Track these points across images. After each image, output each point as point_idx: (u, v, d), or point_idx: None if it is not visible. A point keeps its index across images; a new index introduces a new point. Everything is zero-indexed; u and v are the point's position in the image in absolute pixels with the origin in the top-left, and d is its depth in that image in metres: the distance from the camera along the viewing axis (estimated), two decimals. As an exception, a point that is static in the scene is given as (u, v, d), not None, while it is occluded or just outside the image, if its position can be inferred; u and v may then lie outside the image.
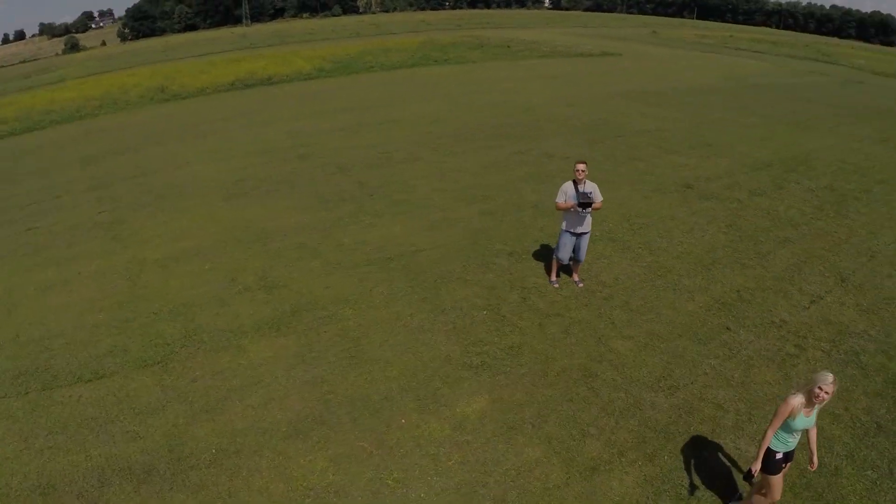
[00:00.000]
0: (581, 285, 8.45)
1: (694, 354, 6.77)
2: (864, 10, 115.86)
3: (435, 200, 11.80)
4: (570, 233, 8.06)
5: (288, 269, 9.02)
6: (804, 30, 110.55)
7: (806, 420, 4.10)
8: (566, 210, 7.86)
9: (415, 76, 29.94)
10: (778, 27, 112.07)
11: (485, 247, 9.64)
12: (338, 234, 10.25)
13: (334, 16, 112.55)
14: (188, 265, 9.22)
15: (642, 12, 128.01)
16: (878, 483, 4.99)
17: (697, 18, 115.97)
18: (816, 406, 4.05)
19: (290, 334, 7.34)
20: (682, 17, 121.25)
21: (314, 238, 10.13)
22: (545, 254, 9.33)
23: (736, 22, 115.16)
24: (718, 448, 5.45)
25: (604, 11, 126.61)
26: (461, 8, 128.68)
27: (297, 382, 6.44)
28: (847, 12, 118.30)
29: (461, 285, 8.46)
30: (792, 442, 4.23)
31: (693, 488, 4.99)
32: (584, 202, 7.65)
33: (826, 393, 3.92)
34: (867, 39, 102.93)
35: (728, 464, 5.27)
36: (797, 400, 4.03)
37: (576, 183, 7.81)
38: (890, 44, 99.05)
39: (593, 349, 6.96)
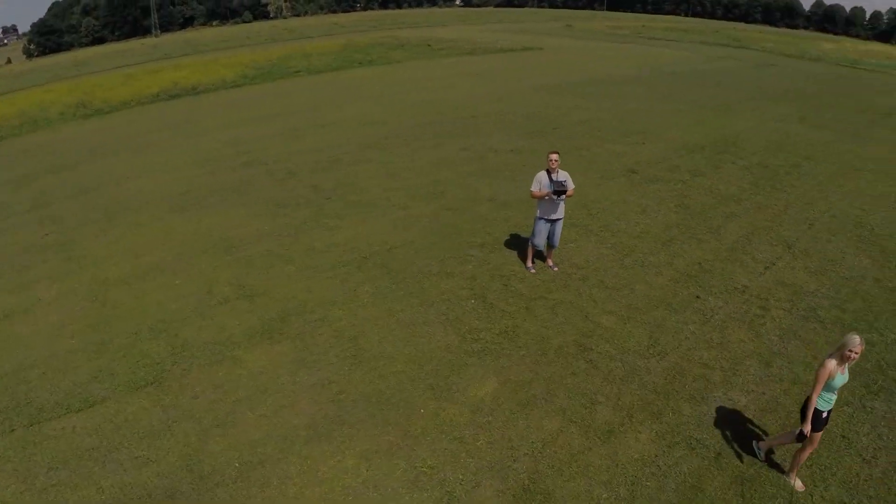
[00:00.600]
0: (556, 269, 8.89)
1: (673, 322, 7.38)
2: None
3: (392, 199, 11.88)
4: (546, 220, 8.46)
5: (263, 277, 8.82)
6: (712, 16, 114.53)
7: (842, 378, 4.58)
8: (541, 198, 8.28)
9: (342, 79, 29.64)
10: (687, 15, 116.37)
11: (455, 240, 9.88)
12: (305, 238, 10.12)
13: (245, 22, 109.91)
14: (156, 281, 8.79)
15: (553, 6, 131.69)
16: (854, 416, 5.73)
17: (608, 10, 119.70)
18: (847, 364, 4.57)
19: (283, 340, 7.23)
20: (593, 8, 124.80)
21: (282, 244, 9.95)
22: (515, 243, 9.72)
23: (646, 12, 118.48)
24: (713, 401, 6.02)
25: (515, 6, 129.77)
26: (372, 9, 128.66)
27: (304, 386, 6.39)
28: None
29: (443, 278, 8.66)
30: (833, 399, 4.71)
31: (699, 438, 5.51)
32: (559, 190, 8.08)
33: (855, 353, 4.42)
34: (773, 23, 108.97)
35: (724, 413, 5.85)
36: (833, 363, 4.50)
37: (549, 172, 8.24)
38: (795, 27, 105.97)
39: (582, 325, 7.39)
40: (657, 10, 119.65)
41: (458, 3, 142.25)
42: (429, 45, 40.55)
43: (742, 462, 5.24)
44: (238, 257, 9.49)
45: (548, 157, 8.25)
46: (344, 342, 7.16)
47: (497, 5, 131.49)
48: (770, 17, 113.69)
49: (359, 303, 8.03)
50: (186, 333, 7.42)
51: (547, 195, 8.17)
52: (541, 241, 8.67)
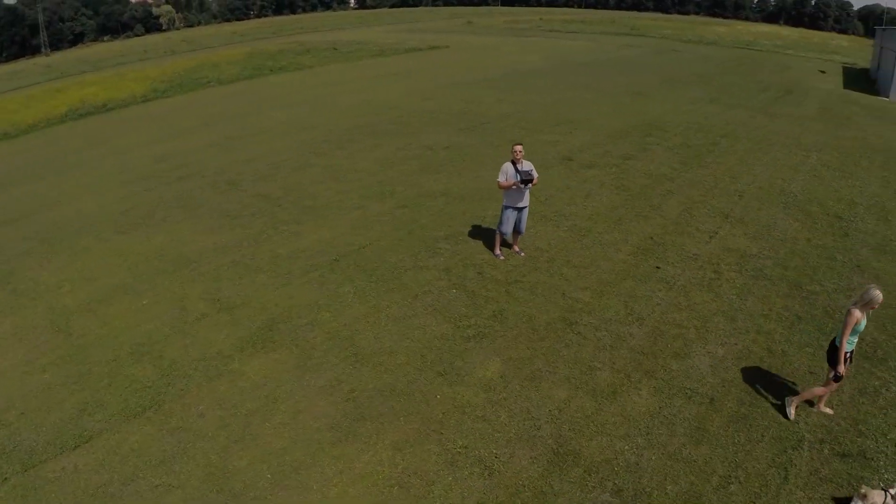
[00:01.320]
0: (523, 254, 9.35)
1: (642, 292, 8.06)
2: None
3: (345, 201, 11.85)
4: (513, 208, 8.88)
5: (236, 288, 8.54)
6: (605, 7, 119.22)
7: (863, 323, 5.29)
8: (508, 188, 8.69)
9: (258, 86, 28.67)
10: (580, 6, 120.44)
11: (420, 235, 10.07)
12: (268, 246, 9.87)
13: (137, 35, 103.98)
14: (121, 304, 8.23)
15: (449, 3, 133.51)
16: (815, 355, 6.62)
17: (503, 5, 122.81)
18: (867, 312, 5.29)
19: (278, 348, 7.10)
20: (488, 4, 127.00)
21: (245, 254, 9.64)
22: (477, 233, 10.07)
23: (540, 5, 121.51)
24: (695, 355, 6.70)
25: (410, 6, 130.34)
26: (266, 16, 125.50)
27: (314, 390, 6.35)
28: None
29: (419, 271, 8.84)
30: (855, 341, 5.41)
31: (692, 388, 6.15)
32: (526, 179, 8.53)
33: (877, 303, 5.16)
34: (665, 11, 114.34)
35: (707, 364, 6.54)
36: (857, 312, 5.17)
37: (514, 163, 8.66)
38: (686, 13, 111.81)
39: (562, 303, 7.89)
40: (552, 3, 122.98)
41: (352, 5, 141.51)
42: (335, 49, 40.14)
43: (733, 404, 5.93)
44: (202, 272, 9.10)
45: (512, 148, 8.66)
46: (340, 342, 7.17)
47: (392, 6, 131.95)
48: (662, 5, 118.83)
49: (343, 303, 8.03)
50: (172, 353, 7.07)
51: (514, 185, 8.59)
52: (508, 229, 9.08)
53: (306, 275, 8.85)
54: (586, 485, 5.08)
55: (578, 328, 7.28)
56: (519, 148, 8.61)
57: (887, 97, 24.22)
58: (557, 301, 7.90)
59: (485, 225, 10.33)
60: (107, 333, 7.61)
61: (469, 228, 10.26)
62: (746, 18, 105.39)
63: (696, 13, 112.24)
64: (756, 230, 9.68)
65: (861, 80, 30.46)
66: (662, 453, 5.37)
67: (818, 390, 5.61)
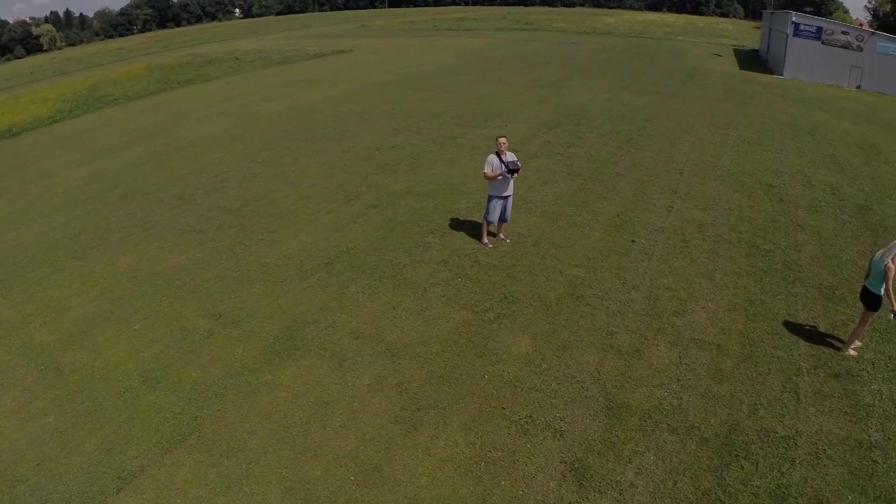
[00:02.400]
0: (508, 241, 9.84)
1: (628, 263, 8.86)
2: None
3: (311, 206, 11.68)
4: (499, 197, 9.34)
5: (235, 301, 8.23)
6: (491, 3, 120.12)
7: (878, 264, 6.21)
8: (494, 178, 9.13)
9: (169, 100, 26.74)
10: (468, 4, 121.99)
11: (403, 232, 10.24)
12: (250, 257, 9.55)
13: (18, 57, 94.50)
14: (108, 332, 7.62)
15: (335, 8, 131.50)
16: (787, 300, 7.74)
17: (389, 6, 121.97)
18: None
19: (306, 354, 7.00)
20: (375, 7, 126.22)
21: (228, 266, 9.26)
22: (459, 225, 10.41)
23: (427, 5, 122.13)
24: (692, 311, 7.54)
25: (296, 13, 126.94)
26: (150, 30, 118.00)
27: (362, 389, 6.37)
28: None
29: (418, 266, 9.03)
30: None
31: (700, 338, 6.97)
32: (513, 169, 9.02)
33: (890, 258, 6.06)
34: (552, 4, 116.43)
35: (705, 317, 7.38)
36: (891, 263, 6.03)
37: (498, 154, 9.12)
38: (572, 5, 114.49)
39: (562, 279, 8.48)
40: (438, 3, 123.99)
41: (237, 15, 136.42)
42: (237, 59, 38.46)
43: (737, 347, 6.82)
44: (189, 289, 8.63)
45: (497, 140, 9.09)
46: (368, 340, 7.21)
47: (278, 13, 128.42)
48: None
49: (356, 303, 8.05)
50: (191, 375, 6.72)
51: (500, 175, 9.05)
52: (495, 218, 9.52)
53: (304, 280, 8.71)
54: (645, 429, 5.67)
55: (586, 300, 7.90)
56: (503, 140, 9.07)
57: (781, 75, 27.85)
58: (558, 279, 8.49)
59: (461, 217, 10.70)
60: (105, 364, 7.05)
61: (448, 222, 10.57)
62: (630, 7, 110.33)
63: (582, 5, 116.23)
64: (704, 202, 10.92)
65: (753, 60, 34.34)
66: (696, 394, 6.11)
67: (859, 330, 6.56)
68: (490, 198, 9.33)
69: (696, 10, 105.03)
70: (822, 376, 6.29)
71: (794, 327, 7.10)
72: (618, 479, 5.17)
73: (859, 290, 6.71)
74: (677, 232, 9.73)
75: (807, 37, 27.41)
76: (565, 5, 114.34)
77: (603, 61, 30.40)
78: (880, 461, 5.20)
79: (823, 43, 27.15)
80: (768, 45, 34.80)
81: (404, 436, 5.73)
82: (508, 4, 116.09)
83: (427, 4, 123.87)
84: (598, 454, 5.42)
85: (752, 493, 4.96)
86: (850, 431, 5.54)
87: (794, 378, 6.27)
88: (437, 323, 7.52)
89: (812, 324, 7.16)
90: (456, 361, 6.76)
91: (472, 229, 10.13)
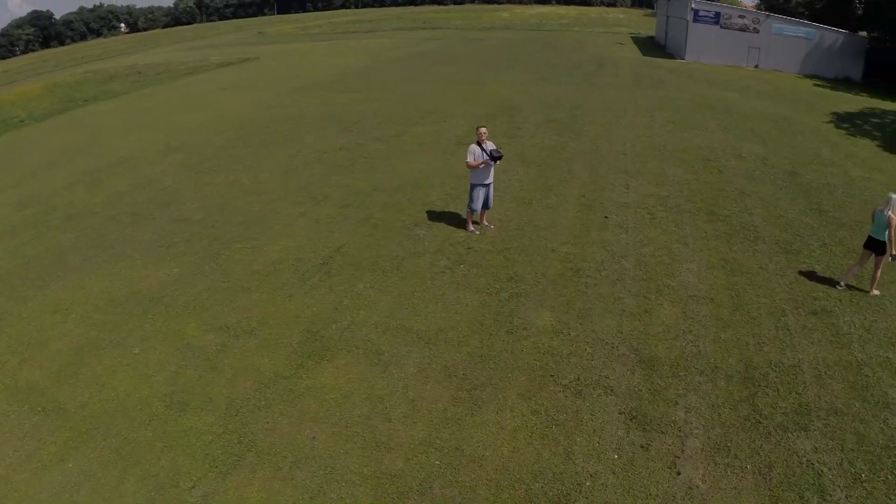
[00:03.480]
0: (492, 227, 10.21)
1: (609, 237, 9.54)
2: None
3: (281, 211, 11.26)
4: (481, 185, 9.67)
5: (238, 311, 7.86)
6: (382, 4, 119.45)
7: (881, 217, 7.29)
8: (476, 167, 9.45)
9: (80, 118, 24.21)
10: (357, 7, 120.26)
11: (387, 228, 10.22)
12: (235, 266, 9.10)
13: None
14: (106, 360, 6.98)
15: (223, 17, 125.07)
16: (755, 256, 8.80)
17: (278, 13, 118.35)
18: None
19: (338, 354, 6.88)
20: (264, 14, 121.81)
21: (215, 278, 8.78)
22: (439, 216, 10.56)
23: (316, 9, 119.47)
24: (680, 273, 8.35)
25: (183, 24, 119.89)
26: (34, 50, 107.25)
27: (411, 378, 6.40)
28: None
29: (416, 258, 9.11)
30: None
31: (695, 294, 7.78)
32: (496, 156, 9.39)
33: (892, 209, 7.15)
34: (442, 3, 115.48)
35: (693, 276, 8.21)
36: (893, 214, 7.07)
37: (479, 143, 9.46)
38: (462, 2, 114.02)
39: (556, 256, 8.97)
40: (327, 7, 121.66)
41: (123, 30, 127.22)
42: (140, 73, 35.89)
43: (727, 298, 7.69)
44: (180, 305, 8.11)
45: (477, 130, 9.41)
46: (397, 332, 7.23)
47: (165, 26, 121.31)
48: None
49: (369, 299, 8.02)
50: (221, 392, 6.38)
51: (483, 163, 9.40)
52: (478, 206, 9.83)
53: (305, 283, 8.52)
54: (678, 375, 6.30)
55: (585, 273, 8.48)
56: (484, 129, 9.41)
57: (683, 59, 30.44)
58: (552, 256, 9.00)
59: (438, 209, 10.91)
60: (114, 395, 6.48)
61: (427, 214, 10.71)
62: (521, 2, 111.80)
63: (472, 2, 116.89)
64: (655, 178, 11.97)
65: (652, 47, 36.96)
66: (708, 341, 6.85)
67: (877, 273, 7.65)
68: (473, 186, 9.64)
69: (584, 1, 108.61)
70: (803, 314, 7.31)
71: (767, 277, 8.14)
72: (672, 419, 5.74)
73: (812, 245, 7.87)
74: (641, 206, 10.65)
75: (706, 22, 30.29)
76: (455, 3, 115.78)
77: (513, 55, 31.69)
78: (870, 375, 6.21)
79: (722, 27, 30.15)
80: (666, 32, 37.86)
81: (470, 415, 5.92)
82: (399, 5, 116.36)
83: (316, 9, 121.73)
84: (648, 402, 5.97)
85: (782, 413, 5.74)
86: (839, 355, 6.54)
87: (783, 318, 7.23)
88: (457, 308, 7.74)
89: (781, 273, 8.26)
90: (490, 340, 7.03)
91: (454, 219, 10.40)
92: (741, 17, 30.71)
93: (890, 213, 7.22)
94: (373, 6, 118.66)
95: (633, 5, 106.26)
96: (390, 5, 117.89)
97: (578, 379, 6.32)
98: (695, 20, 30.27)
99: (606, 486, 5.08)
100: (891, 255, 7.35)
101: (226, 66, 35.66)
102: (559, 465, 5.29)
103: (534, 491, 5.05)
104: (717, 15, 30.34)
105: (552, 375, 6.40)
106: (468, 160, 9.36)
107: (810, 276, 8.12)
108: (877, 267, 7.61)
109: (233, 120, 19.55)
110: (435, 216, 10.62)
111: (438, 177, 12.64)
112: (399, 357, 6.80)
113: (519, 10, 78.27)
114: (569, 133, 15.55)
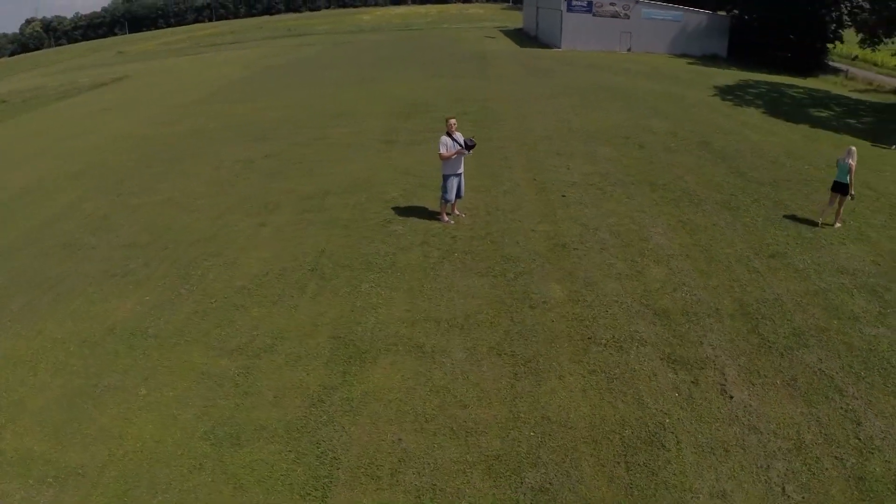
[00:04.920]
0: (464, 215, 10.38)
1: (576, 213, 10.14)
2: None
3: (238, 224, 10.32)
4: (454, 175, 9.78)
5: (244, 331, 7.15)
6: (237, 16, 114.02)
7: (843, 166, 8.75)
8: (449, 158, 9.58)
9: None
10: (211, 20, 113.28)
11: (360, 228, 9.83)
12: (217, 284, 8.23)
13: None
14: (109, 410, 5.99)
15: (72, 40, 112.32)
16: (706, 214, 9.99)
17: (130, 32, 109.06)
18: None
19: (381, 354, 6.56)
20: (115, 34, 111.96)
21: (198, 300, 7.88)
22: (408, 211, 10.44)
23: (170, 26, 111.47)
24: (651, 237, 9.23)
25: (30, 50, 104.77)
26: None
27: (465, 364, 6.37)
28: None
29: (405, 253, 8.92)
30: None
31: (671, 254, 8.67)
32: (471, 145, 9.59)
33: (852, 158, 8.58)
34: (297, 10, 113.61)
35: (662, 240, 9.12)
36: (853, 161, 8.50)
37: (449, 134, 9.59)
38: (317, 9, 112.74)
39: (537, 236, 9.35)
40: (181, 22, 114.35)
41: None
42: (4, 101, 31.08)
43: (700, 253, 8.69)
44: (170, 334, 7.18)
45: (447, 122, 9.49)
46: (430, 325, 7.09)
47: (11, 54, 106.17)
48: (293, 5, 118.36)
49: (380, 296, 7.75)
50: (270, 416, 5.80)
51: (457, 153, 9.56)
52: (452, 196, 9.91)
53: (303, 292, 8.02)
54: (691, 321, 7.00)
55: (571, 246, 9.01)
56: (453, 121, 9.53)
57: (559, 48, 32.40)
58: (534, 236, 9.42)
59: (402, 205, 10.78)
60: (143, 445, 5.55)
61: (394, 210, 10.51)
62: (377, 4, 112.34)
63: (328, 7, 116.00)
64: (588, 158, 12.94)
65: (524, 38, 38.70)
66: (702, 289, 7.71)
67: (840, 210, 9.24)
68: (446, 177, 9.71)
69: (439, 0, 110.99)
70: (764, 258, 8.51)
71: (722, 232, 9.32)
72: (704, 356, 6.44)
73: (746, 202, 9.19)
74: (588, 183, 11.53)
75: (579, 11, 32.69)
76: (311, 10, 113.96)
77: (394, 54, 31.92)
78: (835, 298, 7.43)
79: (595, 15, 32.73)
80: (537, 23, 40.19)
81: (537, 386, 6.09)
82: (253, 16, 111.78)
83: (169, 25, 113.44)
84: (678, 346, 6.62)
85: (784, 337, 6.68)
86: (806, 286, 7.72)
87: (750, 263, 8.35)
88: (472, 292, 7.83)
89: (731, 227, 9.50)
90: (519, 317, 7.24)
91: (423, 212, 10.41)
92: (612, 4, 33.50)
93: (850, 160, 8.77)
94: (227, 18, 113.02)
95: (487, 0, 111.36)
96: (245, 16, 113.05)
97: (614, 337, 6.82)
98: (569, 10, 32.70)
99: (682, 419, 5.62)
100: (851, 194, 8.97)
101: (99, 88, 31.87)
102: (636, 411, 5.72)
103: (627, 437, 5.42)
104: (590, 4, 33.00)
105: (590, 338, 6.83)
106: (441, 152, 9.43)
107: (756, 226, 9.46)
108: (840, 205, 9.23)
109: (131, 139, 17.52)
110: (403, 212, 10.56)
111: (386, 175, 12.54)
112: (441, 347, 6.78)
113: (379, 11, 78.76)
114: (488, 123, 16.20)
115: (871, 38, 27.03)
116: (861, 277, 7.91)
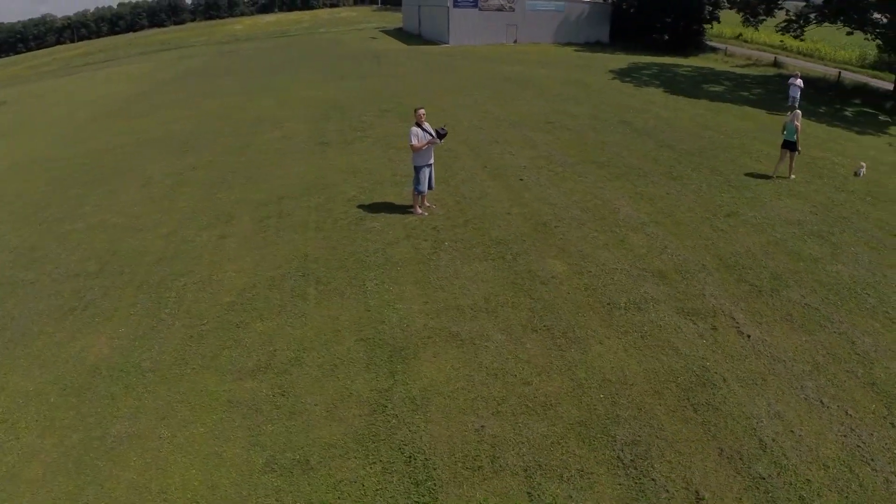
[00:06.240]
0: (435, 206, 10.23)
1: (541, 195, 10.41)
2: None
3: (196, 239, 9.17)
4: (426, 166, 9.56)
5: (258, 350, 6.36)
6: (99, 35, 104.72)
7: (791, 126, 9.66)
8: (421, 149, 9.42)
9: None
10: (73, 41, 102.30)
11: (337, 229, 9.26)
12: (201, 304, 7.23)
13: None
14: (133, 460, 5.02)
15: None
16: (657, 186, 10.84)
17: None
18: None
19: (419, 350, 6.22)
20: None
21: (185, 323, 6.91)
22: (376, 208, 10.10)
23: (29, 49, 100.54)
24: (622, 209, 9.88)
25: None
26: None
27: (507, 344, 6.34)
28: (136, 5, 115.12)
29: (393, 247, 8.50)
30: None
31: (650, 221, 9.37)
32: (443, 133, 9.48)
33: (797, 120, 9.57)
34: (161, 24, 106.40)
35: (630, 211, 9.79)
36: (798, 122, 9.44)
37: (419, 125, 9.45)
38: (182, 22, 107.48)
39: (515, 219, 9.43)
40: (41, 45, 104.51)
41: None
42: None
43: (668, 218, 9.47)
44: (169, 366, 6.17)
45: (416, 112, 9.23)
46: (452, 312, 6.90)
47: None
48: (156, 20, 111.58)
49: (392, 293, 7.32)
50: (328, 433, 5.30)
51: (429, 143, 9.42)
52: (425, 187, 9.70)
53: (305, 299, 7.36)
54: (688, 277, 7.54)
55: (551, 225, 9.27)
56: (422, 111, 9.32)
57: (448, 43, 32.69)
58: (511, 219, 9.52)
59: (366, 202, 10.33)
60: (194, 496, 4.76)
61: (362, 209, 10.02)
62: (243, 14, 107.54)
63: (192, 20, 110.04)
64: (526, 143, 13.28)
65: (408, 37, 38.34)
66: (683, 249, 8.34)
67: (792, 163, 10.59)
68: (418, 168, 9.43)
69: (306, 6, 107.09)
70: (722, 217, 9.42)
71: (677, 199, 10.15)
72: (711, 305, 6.99)
73: (685, 171, 10.20)
74: (539, 166, 11.96)
75: (465, 7, 33.33)
76: (176, 24, 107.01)
77: (286, 60, 30.57)
78: (792, 245, 8.47)
79: (480, 10, 33.54)
80: (419, 21, 40.40)
81: (584, 353, 6.13)
82: (116, 33, 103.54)
83: (30, 49, 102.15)
84: (687, 300, 7.10)
85: (767, 281, 7.45)
86: (766, 238, 8.69)
87: (712, 223, 9.19)
88: (480, 277, 7.74)
89: (683, 194, 10.39)
90: (536, 294, 7.31)
91: (392, 208, 10.11)
92: None
93: (796, 122, 10.01)
94: (89, 38, 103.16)
95: (355, 3, 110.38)
96: (108, 34, 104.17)
97: (630, 300, 7.19)
98: (455, 6, 33.39)
99: (717, 360, 6.05)
100: (798, 150, 10.26)
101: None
102: (679, 360, 6.07)
103: (682, 383, 5.72)
104: (475, 0, 34.02)
105: (609, 304, 7.14)
106: (412, 143, 9.20)
107: (702, 191, 10.46)
108: (791, 160, 10.52)
109: (36, 164, 14.81)
110: (370, 209, 10.19)
111: (335, 175, 12.01)
112: (477, 332, 6.66)
113: (249, 21, 75.24)
114: (410, 119, 16.07)
115: (755, 18, 28.18)
116: (806, 226, 9.11)
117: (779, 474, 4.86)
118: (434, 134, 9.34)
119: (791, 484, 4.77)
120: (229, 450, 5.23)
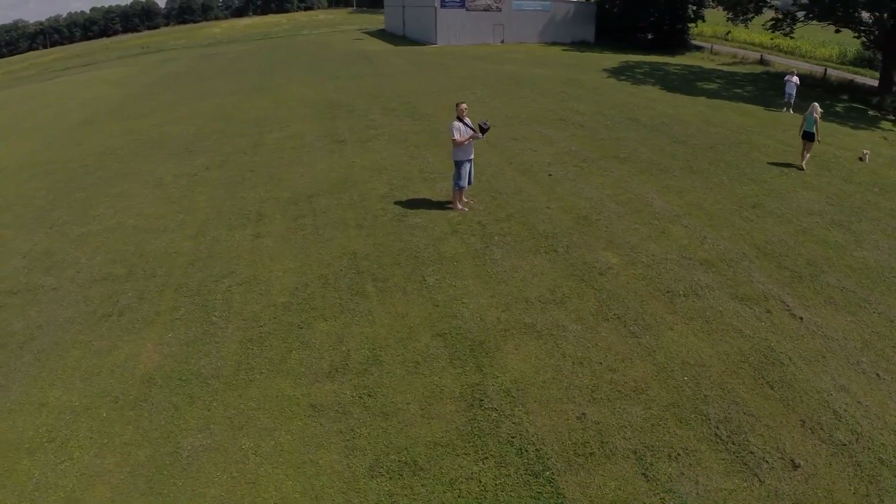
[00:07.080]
0: (473, 202, 10.01)
1: (572, 189, 10.51)
2: (124, 4, 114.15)
3: (229, 239, 8.95)
4: (467, 161, 9.33)
5: (328, 350, 6.14)
6: (72, 40, 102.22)
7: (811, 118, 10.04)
8: (463, 143, 9.12)
9: None
10: (46, 46, 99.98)
11: (378, 226, 9.18)
12: (252, 306, 6.96)
13: None
14: (223, 471, 4.90)
15: None
16: (665, 176, 11.35)
17: None
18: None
19: (501, 343, 6.19)
20: None
21: (237, 326, 6.59)
22: (414, 204, 10.08)
23: (1, 56, 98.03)
24: (652, 202, 10.29)
25: None
26: None
27: (583, 333, 6.42)
28: (109, 10, 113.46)
29: (443, 243, 8.42)
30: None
31: (666, 208, 9.82)
32: (486, 128, 9.39)
33: (816, 112, 9.98)
34: (135, 29, 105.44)
35: (655, 197, 10.20)
36: (818, 115, 9.58)
37: (460, 119, 9.58)
38: (156, 27, 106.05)
39: (554, 213, 9.43)
40: (14, 51, 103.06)
41: None
42: None
43: (698, 210, 9.94)
44: (231, 372, 5.85)
45: (458, 107, 9.12)
46: (519, 305, 6.90)
47: None
48: (130, 24, 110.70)
49: (456, 289, 7.22)
50: (435, 430, 5.30)
51: (471, 137, 9.37)
52: (466, 182, 9.62)
53: (366, 297, 7.21)
54: (731, 265, 7.74)
55: (592, 219, 9.36)
56: (464, 106, 9.27)
57: (435, 44, 32.70)
58: (552, 213, 9.55)
59: (401, 199, 10.25)
60: None
61: (400, 205, 9.96)
62: (217, 18, 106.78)
63: (166, 24, 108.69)
64: (545, 140, 13.31)
65: (393, 37, 37.95)
66: (721, 238, 8.50)
67: (806, 154, 10.95)
68: (459, 163, 9.30)
69: (280, 9, 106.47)
70: (748, 209, 9.71)
71: (703, 191, 10.40)
72: (761, 290, 7.18)
73: (703, 166, 10.75)
74: (563, 162, 12.20)
75: (452, 7, 33.37)
76: (149, 28, 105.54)
77: (274, 61, 30.11)
78: (819, 233, 8.84)
79: (468, 10, 33.62)
80: (403, 22, 40.26)
81: (657, 339, 6.21)
82: (88, 39, 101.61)
83: (2, 55, 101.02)
84: (737, 286, 7.27)
85: (804, 267, 7.76)
86: (794, 228, 8.99)
87: (742, 214, 9.49)
88: (538, 270, 7.80)
89: (708, 188, 10.69)
90: (598, 285, 7.30)
91: (430, 204, 10.03)
92: None
93: (815, 115, 10.62)
94: (62, 44, 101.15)
95: (330, 6, 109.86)
96: (81, 40, 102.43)
97: (688, 288, 7.50)
98: (442, 6, 33.44)
99: (780, 340, 6.27)
100: (818, 140, 10.87)
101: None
102: (745, 342, 6.25)
103: (754, 363, 5.91)
104: (462, 0, 34.18)
105: (669, 292, 7.44)
106: (455, 137, 9.01)
107: (724, 185, 10.89)
108: (807, 150, 11.08)
109: (34, 167, 13.97)
110: (408, 205, 10.20)
111: (361, 173, 12.00)
112: (551, 323, 6.69)
113: (226, 24, 74.12)
114: (419, 117, 16.25)
115: (743, 16, 27.79)
116: (826, 216, 9.65)
117: (857, 440, 5.21)
118: (476, 128, 9.50)
119: (869, 448, 5.13)
120: (325, 457, 5.01)
